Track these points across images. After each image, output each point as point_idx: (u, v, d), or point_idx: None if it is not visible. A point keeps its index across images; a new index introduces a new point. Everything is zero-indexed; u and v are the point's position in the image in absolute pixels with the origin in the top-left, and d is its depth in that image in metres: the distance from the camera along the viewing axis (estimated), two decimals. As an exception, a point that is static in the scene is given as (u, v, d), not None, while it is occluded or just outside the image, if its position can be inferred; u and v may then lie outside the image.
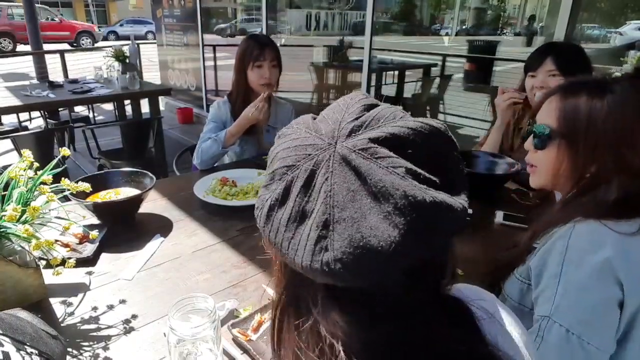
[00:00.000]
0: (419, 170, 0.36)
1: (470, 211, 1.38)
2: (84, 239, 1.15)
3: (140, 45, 4.83)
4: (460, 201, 0.37)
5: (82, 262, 1.06)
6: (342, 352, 0.37)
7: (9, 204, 0.85)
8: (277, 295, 0.45)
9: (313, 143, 0.39)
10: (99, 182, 1.32)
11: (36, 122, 4.98)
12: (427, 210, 0.34)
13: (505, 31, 7.29)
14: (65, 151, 0.99)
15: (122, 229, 1.24)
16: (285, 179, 0.38)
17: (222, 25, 6.53)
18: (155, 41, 6.95)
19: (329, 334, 0.38)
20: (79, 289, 0.99)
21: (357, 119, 0.39)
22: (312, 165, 0.37)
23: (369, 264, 0.34)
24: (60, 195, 0.93)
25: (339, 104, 0.43)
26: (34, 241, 0.81)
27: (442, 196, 0.36)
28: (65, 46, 14.32)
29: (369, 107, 0.41)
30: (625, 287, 0.73)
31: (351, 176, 0.36)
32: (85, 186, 0.97)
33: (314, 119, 0.44)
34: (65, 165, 1.04)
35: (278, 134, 0.45)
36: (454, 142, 0.41)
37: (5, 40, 15.27)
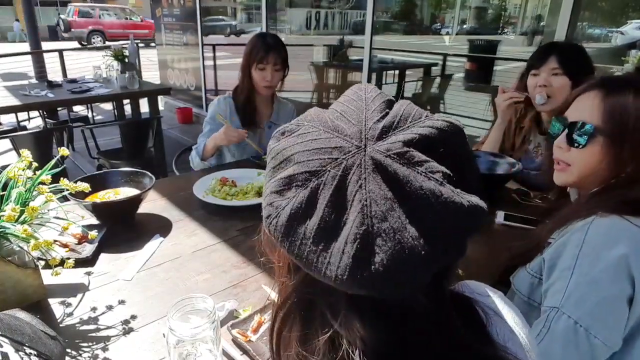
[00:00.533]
0: (451, 174, 0.35)
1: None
2: (82, 239, 1.14)
3: (140, 45, 4.82)
4: (483, 202, 0.36)
5: (81, 263, 1.06)
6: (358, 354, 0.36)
7: (7, 204, 0.84)
8: (282, 300, 0.43)
9: (338, 146, 0.36)
10: (98, 182, 1.31)
11: (35, 121, 4.98)
12: (466, 216, 0.34)
13: (506, 30, 7.28)
14: (64, 151, 0.99)
15: (122, 229, 1.24)
16: (309, 186, 0.35)
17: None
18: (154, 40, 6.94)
19: (349, 343, 0.37)
20: (78, 289, 0.98)
21: (382, 117, 0.37)
22: (340, 171, 0.34)
23: (411, 274, 0.33)
24: (59, 196, 0.93)
25: (353, 98, 0.41)
26: (32, 241, 0.81)
27: (474, 199, 0.35)
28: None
29: (389, 104, 0.39)
30: (637, 284, 0.73)
31: (388, 183, 0.34)
32: (84, 186, 0.97)
33: (326, 114, 0.41)
34: (64, 165, 1.04)
35: (280, 129, 0.42)
36: (465, 135, 0.40)
37: (97, 36, 17.39)
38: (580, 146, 0.87)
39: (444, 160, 0.35)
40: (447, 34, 7.68)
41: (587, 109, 0.87)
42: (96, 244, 1.12)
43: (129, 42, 4.12)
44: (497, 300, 0.51)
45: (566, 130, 0.90)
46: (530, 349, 0.48)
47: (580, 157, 0.88)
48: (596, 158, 0.86)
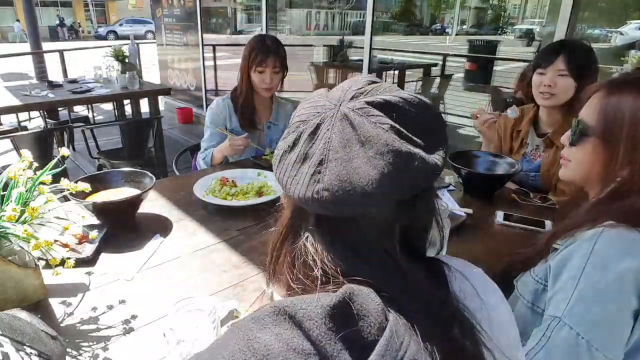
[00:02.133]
0: (402, 129, 0.44)
1: (470, 211, 1.38)
2: (83, 239, 1.15)
3: (140, 45, 4.82)
4: (434, 158, 0.45)
5: (81, 263, 1.06)
6: (320, 271, 0.45)
7: (8, 204, 0.85)
8: (279, 231, 0.53)
9: (323, 104, 0.48)
10: (99, 182, 1.32)
11: (35, 122, 4.98)
12: (402, 158, 0.43)
13: (505, 31, 7.29)
14: (64, 151, 0.99)
15: (122, 229, 1.24)
16: (298, 130, 0.48)
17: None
18: (155, 41, 6.94)
19: (312, 257, 0.47)
20: (79, 289, 0.98)
21: (360, 88, 0.49)
22: (318, 120, 0.47)
23: (350, 196, 0.43)
24: (59, 196, 0.93)
25: (349, 80, 0.52)
26: (33, 241, 0.81)
27: (417, 150, 0.44)
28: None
29: (372, 82, 0.50)
30: None
31: (347, 128, 0.45)
32: (85, 186, 0.97)
33: (333, 88, 0.52)
34: (65, 166, 1.04)
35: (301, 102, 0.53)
36: (440, 116, 0.49)
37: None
38: (575, 144, 0.88)
39: (404, 121, 0.44)
40: (447, 34, 7.69)
41: (589, 108, 0.86)
42: (97, 243, 1.13)
43: (129, 42, 4.13)
44: (477, 274, 0.55)
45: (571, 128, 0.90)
46: (512, 319, 0.54)
47: (576, 155, 0.89)
48: (589, 158, 0.85)
